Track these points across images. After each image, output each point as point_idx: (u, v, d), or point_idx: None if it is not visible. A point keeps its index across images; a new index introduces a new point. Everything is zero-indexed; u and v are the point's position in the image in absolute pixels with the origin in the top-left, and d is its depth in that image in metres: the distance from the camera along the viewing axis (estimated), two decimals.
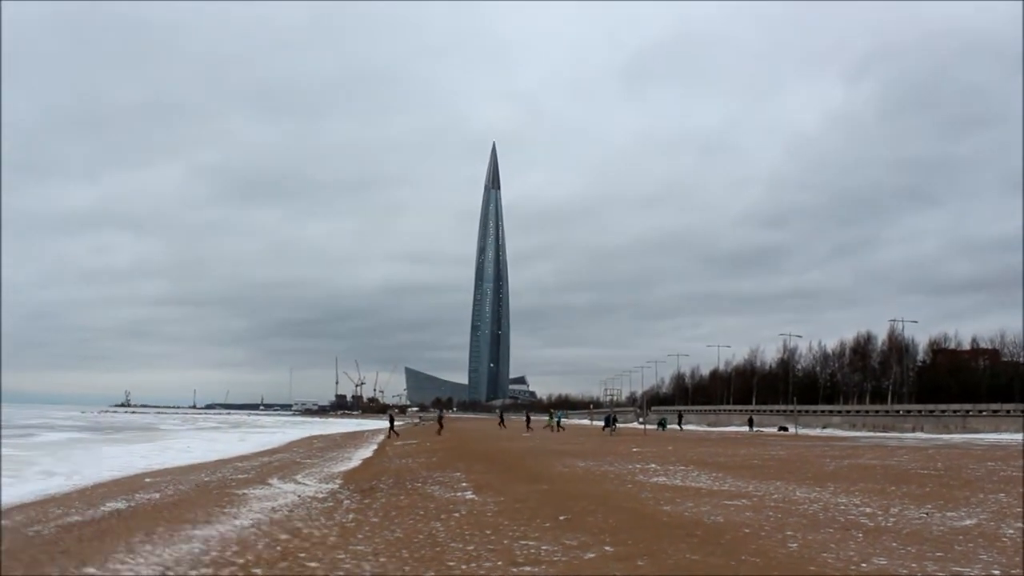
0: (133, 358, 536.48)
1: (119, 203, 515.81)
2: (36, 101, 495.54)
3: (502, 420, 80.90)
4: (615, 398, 67.97)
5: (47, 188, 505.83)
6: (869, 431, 70.45)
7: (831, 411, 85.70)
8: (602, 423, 73.17)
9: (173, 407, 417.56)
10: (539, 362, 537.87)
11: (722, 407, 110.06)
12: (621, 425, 77.38)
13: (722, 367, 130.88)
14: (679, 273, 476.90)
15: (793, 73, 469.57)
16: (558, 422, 73.06)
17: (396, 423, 71.50)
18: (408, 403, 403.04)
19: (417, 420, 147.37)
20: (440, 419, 76.23)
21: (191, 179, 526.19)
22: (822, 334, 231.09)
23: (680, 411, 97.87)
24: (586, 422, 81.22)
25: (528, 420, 74.67)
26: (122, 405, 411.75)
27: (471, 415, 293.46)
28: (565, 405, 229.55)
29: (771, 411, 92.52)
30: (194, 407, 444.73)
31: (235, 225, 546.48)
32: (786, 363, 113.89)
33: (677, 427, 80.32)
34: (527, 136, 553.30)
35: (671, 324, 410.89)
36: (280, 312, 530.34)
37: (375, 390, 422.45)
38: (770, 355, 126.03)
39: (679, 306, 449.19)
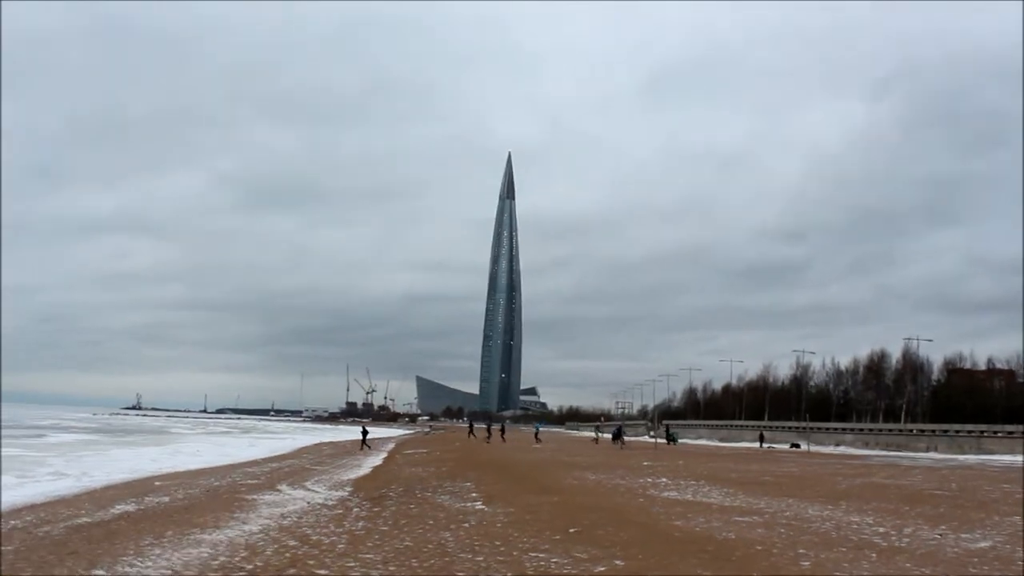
0: (145, 361, 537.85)
1: (138, 209, 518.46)
2: (59, 110, 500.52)
3: (471, 430, 79.68)
4: (626, 411, 67.55)
5: (69, 194, 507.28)
6: (882, 450, 69.94)
7: (844, 429, 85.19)
8: (608, 435, 73.29)
9: (184, 411, 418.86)
10: (551, 373, 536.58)
11: (734, 422, 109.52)
12: (632, 438, 77.13)
13: (735, 382, 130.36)
14: (697, 286, 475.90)
15: (815, 90, 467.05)
16: (536, 433, 73.99)
17: (405, 432, 72.14)
18: (419, 412, 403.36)
19: (427, 429, 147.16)
20: (490, 429, 76.22)
21: (210, 187, 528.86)
22: (837, 350, 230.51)
23: (668, 425, 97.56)
24: (591, 435, 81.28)
25: (491, 431, 74.88)
26: (133, 408, 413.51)
27: (482, 425, 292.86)
28: (576, 417, 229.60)
29: (783, 428, 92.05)
30: (205, 411, 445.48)
31: (252, 232, 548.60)
32: (799, 379, 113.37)
33: (664, 442, 79.46)
34: (548, 148, 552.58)
35: (687, 337, 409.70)
36: (294, 319, 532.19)
37: (386, 398, 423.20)
38: (783, 371, 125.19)
39: (695, 319, 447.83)
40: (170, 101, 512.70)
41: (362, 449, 55.34)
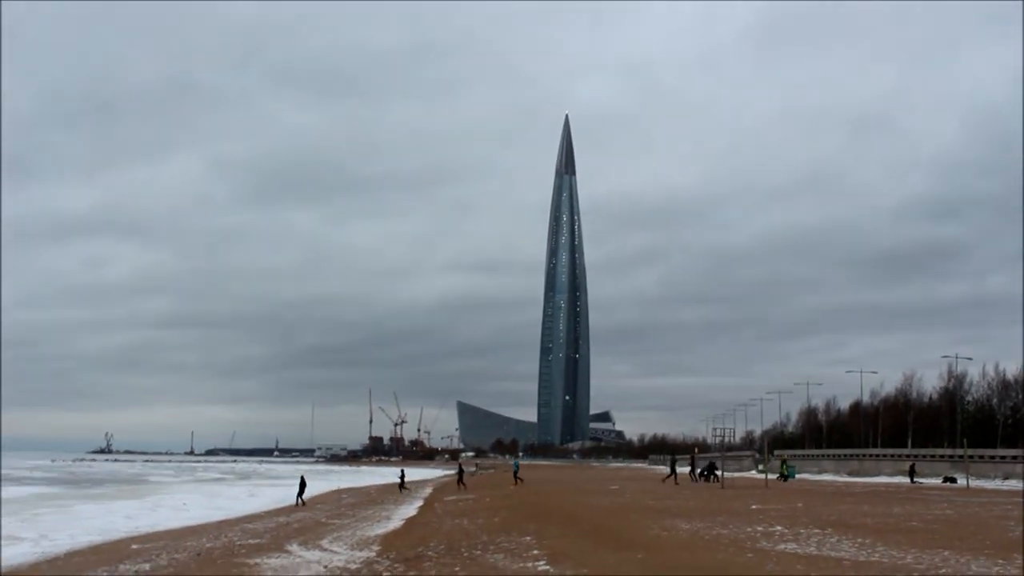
0: (120, 393, 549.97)
1: (123, 205, 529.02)
2: (28, 83, 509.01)
3: (461, 478, 71.64)
4: (726, 439, 66.88)
5: (37, 189, 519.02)
6: None
7: (1014, 457, 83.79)
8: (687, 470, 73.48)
9: (165, 453, 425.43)
10: (629, 394, 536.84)
11: (867, 451, 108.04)
12: (735, 474, 76.56)
13: (867, 399, 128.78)
14: (818, 280, 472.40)
15: (973, 31, 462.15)
16: (515, 472, 74.09)
17: (445, 473, 73.72)
18: (461, 447, 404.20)
19: (473, 468, 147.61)
20: (461, 475, 73.83)
21: (211, 175, 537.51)
22: (1001, 356, 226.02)
23: (782, 457, 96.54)
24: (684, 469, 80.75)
25: (460, 474, 73.49)
26: (102, 451, 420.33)
27: (543, 461, 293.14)
28: (662, 448, 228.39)
29: (932, 457, 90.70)
30: (192, 453, 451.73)
31: (262, 231, 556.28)
32: (952, 394, 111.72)
33: (776, 478, 78.64)
34: (630, 115, 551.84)
35: (805, 345, 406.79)
36: (309, 336, 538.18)
37: (420, 430, 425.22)
38: (931, 383, 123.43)
39: (816, 322, 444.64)
40: (164, 71, 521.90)
41: (401, 492, 58.04)
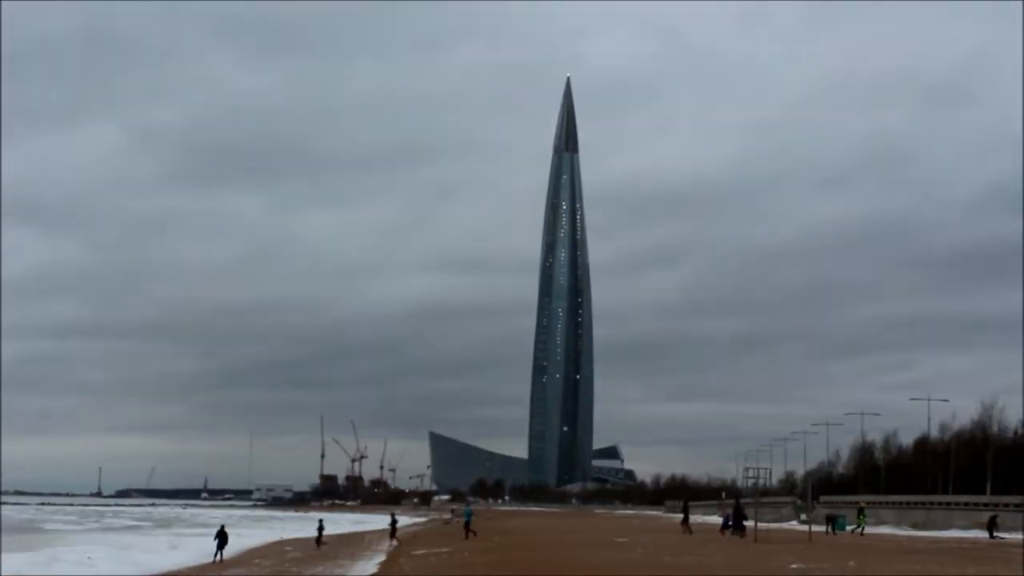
0: (9, 418, 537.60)
1: (19, 185, 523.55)
2: None
3: (394, 531, 75.14)
4: (761, 481, 66.42)
5: None
6: None
7: None
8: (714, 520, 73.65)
9: (65, 494, 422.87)
10: (641, 425, 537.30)
11: (936, 498, 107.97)
12: (772, 525, 76.37)
13: (935, 433, 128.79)
14: (876, 286, 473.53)
15: None
16: (467, 522, 72.85)
17: (415, 520, 73.45)
18: (434, 488, 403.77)
19: (449, 515, 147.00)
20: (394, 527, 76.04)
21: (132, 149, 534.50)
22: None
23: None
24: (714, 519, 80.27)
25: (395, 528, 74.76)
26: None
27: (535, 506, 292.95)
28: (680, 492, 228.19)
29: (1018, 506, 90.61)
30: (99, 494, 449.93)
31: (194, 219, 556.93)
32: None
33: (823, 530, 78.57)
34: (653, 83, 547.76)
35: (859, 366, 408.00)
36: (248, 349, 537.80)
37: (383, 468, 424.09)
38: (1015, 414, 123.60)
39: (874, 336, 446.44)
40: (75, 19, 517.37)
41: (392, 541, 61.76)
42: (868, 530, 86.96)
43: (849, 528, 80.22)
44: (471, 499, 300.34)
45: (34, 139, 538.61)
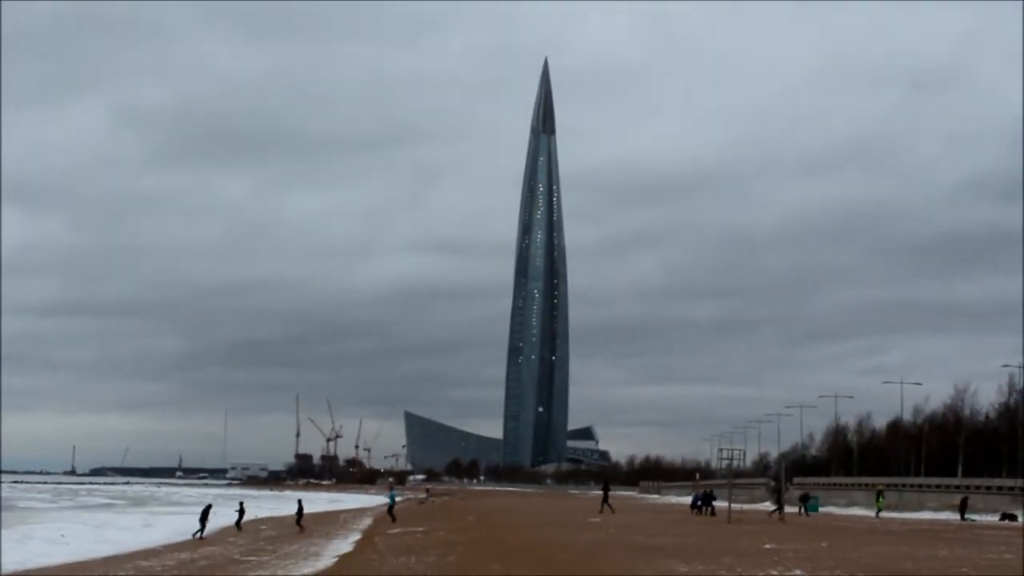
0: None
1: (5, 162, 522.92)
2: None
3: (300, 518, 63.61)
4: (736, 462, 66.83)
5: None
6: None
7: None
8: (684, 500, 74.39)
9: (39, 472, 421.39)
10: (617, 407, 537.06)
11: (908, 480, 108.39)
12: (745, 506, 76.67)
13: (908, 417, 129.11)
14: (856, 271, 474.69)
15: None
16: (391, 506, 71.38)
17: (386, 502, 73.19)
18: (409, 467, 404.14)
19: (424, 495, 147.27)
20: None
21: (118, 128, 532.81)
22: None
23: (804, 486, 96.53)
24: (681, 500, 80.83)
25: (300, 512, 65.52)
26: None
27: (509, 486, 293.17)
28: (656, 474, 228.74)
29: (988, 489, 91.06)
30: (73, 472, 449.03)
31: (179, 198, 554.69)
32: (1013, 412, 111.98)
33: (796, 511, 78.73)
34: (637, 66, 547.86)
35: (836, 350, 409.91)
36: (226, 329, 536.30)
37: (358, 447, 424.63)
38: (987, 398, 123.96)
39: (852, 321, 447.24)
40: (69, 1, 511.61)
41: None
42: (840, 511, 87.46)
43: (792, 509, 78.27)
44: (392, 492, 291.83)
45: (21, 117, 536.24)
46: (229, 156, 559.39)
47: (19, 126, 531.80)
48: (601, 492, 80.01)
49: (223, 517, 61.27)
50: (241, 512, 62.41)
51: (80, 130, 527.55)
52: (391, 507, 71.09)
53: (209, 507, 57.29)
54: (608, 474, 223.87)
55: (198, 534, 53.24)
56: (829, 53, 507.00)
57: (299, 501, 66.02)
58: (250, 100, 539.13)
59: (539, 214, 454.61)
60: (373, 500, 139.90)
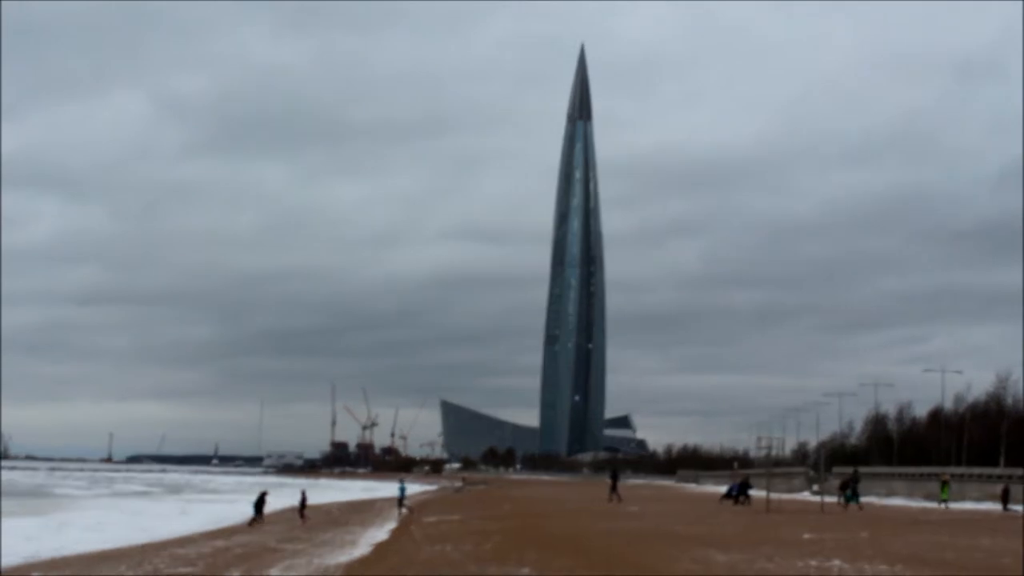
0: (23, 383, 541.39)
1: (46, 152, 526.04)
2: None
3: (303, 510, 62.98)
4: (774, 451, 66.47)
5: None
6: None
7: None
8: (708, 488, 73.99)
9: (76, 460, 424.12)
10: (654, 395, 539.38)
11: (949, 470, 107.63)
12: (784, 496, 76.36)
13: (949, 405, 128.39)
14: (898, 259, 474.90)
15: None
16: (401, 498, 69.27)
17: (425, 488, 72.65)
18: (445, 456, 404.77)
19: (460, 483, 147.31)
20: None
21: (158, 118, 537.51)
22: None
23: (851, 475, 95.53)
24: (719, 489, 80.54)
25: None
26: None
27: (545, 475, 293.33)
28: (693, 463, 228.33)
29: None
30: (109, 460, 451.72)
31: (218, 187, 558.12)
32: None
33: (836, 501, 77.98)
34: (678, 54, 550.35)
35: (877, 339, 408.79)
36: (263, 317, 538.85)
37: (394, 436, 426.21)
38: None
39: (893, 311, 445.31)
40: None
41: (401, 511, 60.34)
42: (880, 500, 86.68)
43: (832, 499, 76.63)
44: (402, 483, 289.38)
45: (61, 108, 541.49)
46: (267, 145, 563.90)
47: (61, 116, 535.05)
48: (609, 480, 79.74)
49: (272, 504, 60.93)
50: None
51: (121, 121, 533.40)
52: (401, 499, 69.44)
53: (264, 494, 56.98)
54: (617, 463, 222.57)
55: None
56: (870, 41, 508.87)
57: (303, 491, 65.53)
58: (289, 90, 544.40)
59: (575, 201, 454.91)
60: (410, 489, 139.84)
